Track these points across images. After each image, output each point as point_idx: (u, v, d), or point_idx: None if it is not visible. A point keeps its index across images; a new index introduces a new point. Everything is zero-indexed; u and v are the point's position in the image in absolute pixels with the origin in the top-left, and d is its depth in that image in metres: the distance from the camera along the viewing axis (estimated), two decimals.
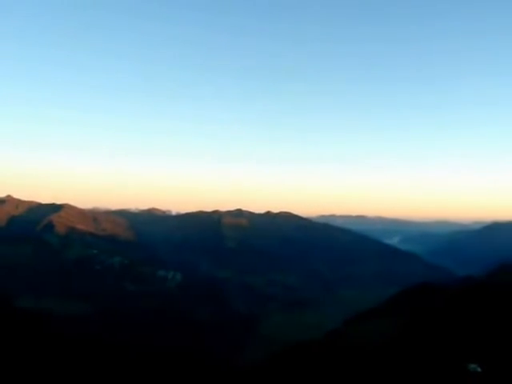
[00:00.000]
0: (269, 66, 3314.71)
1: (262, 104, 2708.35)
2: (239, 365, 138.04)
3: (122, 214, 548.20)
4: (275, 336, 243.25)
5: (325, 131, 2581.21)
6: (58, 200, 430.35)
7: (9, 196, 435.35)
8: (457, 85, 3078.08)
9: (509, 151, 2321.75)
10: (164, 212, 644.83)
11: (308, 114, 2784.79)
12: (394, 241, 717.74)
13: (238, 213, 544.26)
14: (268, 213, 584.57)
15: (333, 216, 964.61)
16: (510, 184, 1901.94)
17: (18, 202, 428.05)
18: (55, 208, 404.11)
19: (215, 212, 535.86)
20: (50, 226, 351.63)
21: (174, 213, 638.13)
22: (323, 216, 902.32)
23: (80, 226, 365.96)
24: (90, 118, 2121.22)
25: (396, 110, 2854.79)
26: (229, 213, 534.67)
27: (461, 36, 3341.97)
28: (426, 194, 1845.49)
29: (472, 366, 34.60)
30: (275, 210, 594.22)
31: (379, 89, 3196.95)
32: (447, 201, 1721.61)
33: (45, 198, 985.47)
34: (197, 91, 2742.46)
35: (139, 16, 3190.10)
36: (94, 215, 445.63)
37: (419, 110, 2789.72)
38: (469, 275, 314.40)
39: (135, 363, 79.09)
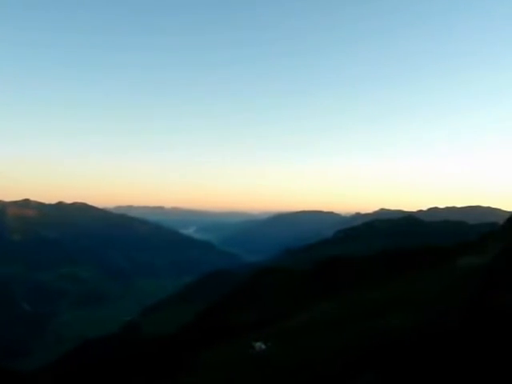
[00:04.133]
0: None
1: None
2: (22, 369, 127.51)
3: None
4: (67, 334, 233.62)
5: (122, 121, 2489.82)
6: None
7: None
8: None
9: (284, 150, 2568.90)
10: None
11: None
12: (190, 231, 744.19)
13: (25, 203, 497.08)
14: (60, 203, 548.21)
15: (130, 207, 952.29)
16: (295, 177, 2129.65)
17: None
18: None
19: None
20: None
21: None
22: (120, 207, 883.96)
23: None
24: None
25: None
26: (14, 203, 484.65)
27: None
28: (220, 185, 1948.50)
29: (258, 344, 39.71)
30: (69, 200, 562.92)
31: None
32: (239, 192, 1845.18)
33: None
34: None
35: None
36: None
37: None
38: (256, 261, 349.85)
39: None
